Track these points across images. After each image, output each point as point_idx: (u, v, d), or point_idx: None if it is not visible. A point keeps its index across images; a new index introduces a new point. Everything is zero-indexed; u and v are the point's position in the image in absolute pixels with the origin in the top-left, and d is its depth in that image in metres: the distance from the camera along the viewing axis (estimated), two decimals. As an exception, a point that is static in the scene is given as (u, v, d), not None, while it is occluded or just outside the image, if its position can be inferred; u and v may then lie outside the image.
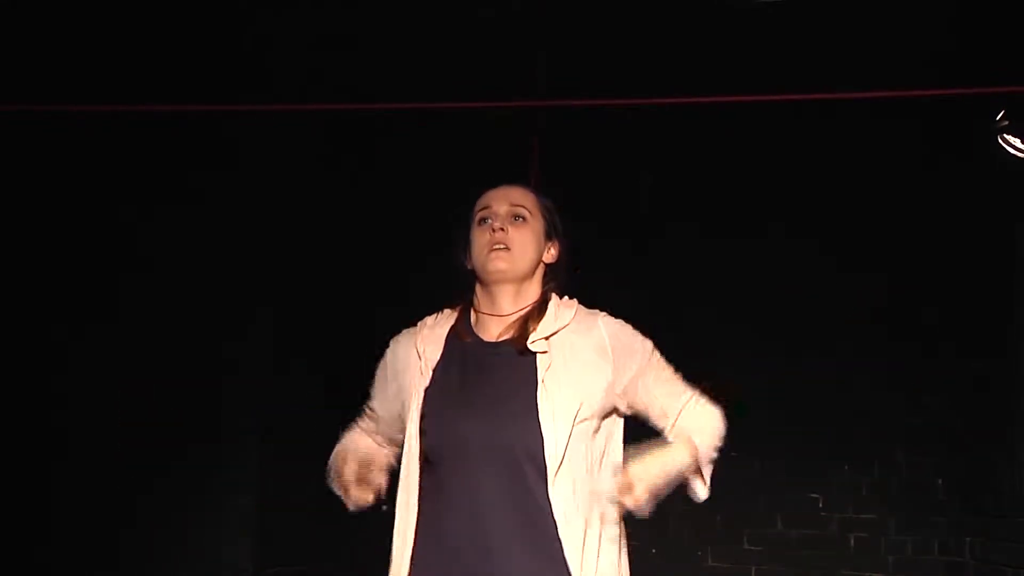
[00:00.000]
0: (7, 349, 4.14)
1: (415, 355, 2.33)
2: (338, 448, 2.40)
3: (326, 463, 2.36)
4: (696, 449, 2.30)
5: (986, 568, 4.88)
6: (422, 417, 2.24)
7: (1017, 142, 4.21)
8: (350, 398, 4.59)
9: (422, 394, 2.27)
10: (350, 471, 2.26)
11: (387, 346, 2.42)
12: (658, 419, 2.36)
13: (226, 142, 4.41)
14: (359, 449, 2.36)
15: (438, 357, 2.30)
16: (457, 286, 2.42)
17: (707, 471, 2.34)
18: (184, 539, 4.32)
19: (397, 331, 2.43)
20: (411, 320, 2.43)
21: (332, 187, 4.88)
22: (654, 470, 2.20)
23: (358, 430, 2.46)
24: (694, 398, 2.37)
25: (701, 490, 2.34)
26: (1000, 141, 4.25)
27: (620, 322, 2.35)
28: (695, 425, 2.34)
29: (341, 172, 4.93)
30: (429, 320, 2.41)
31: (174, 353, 4.40)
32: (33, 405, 4.21)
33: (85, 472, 4.31)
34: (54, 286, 4.28)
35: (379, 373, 2.43)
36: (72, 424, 4.34)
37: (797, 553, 5.49)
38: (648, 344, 2.35)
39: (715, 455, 2.34)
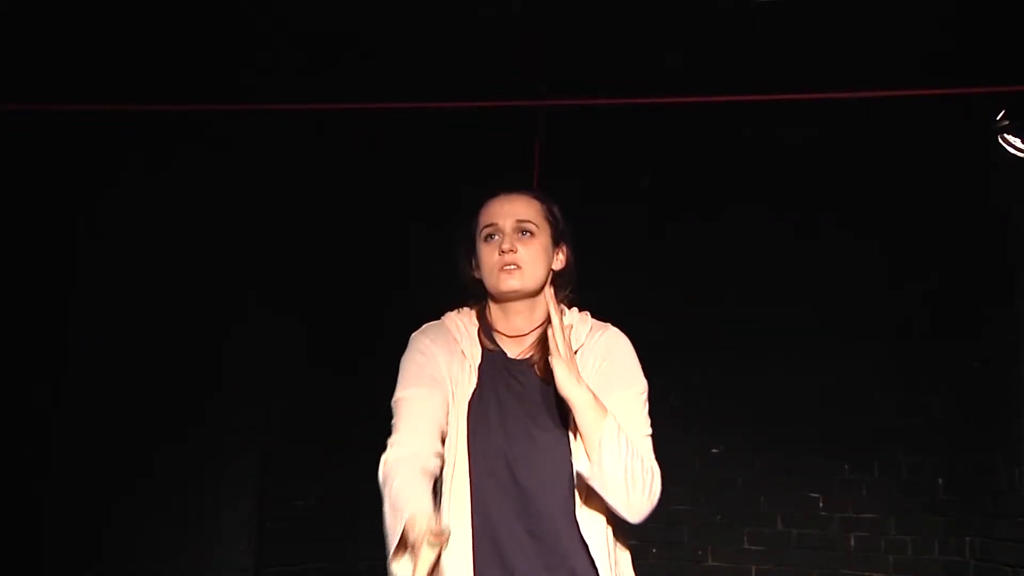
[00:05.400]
0: (3, 349, 4.13)
1: (460, 353, 2.28)
2: (399, 491, 2.05)
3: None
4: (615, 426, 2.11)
5: (986, 568, 4.88)
6: (469, 433, 2.22)
7: (1017, 142, 4.20)
8: (350, 398, 4.59)
9: (466, 406, 2.24)
10: (420, 534, 1.92)
11: (400, 346, 2.33)
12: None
13: (226, 141, 4.41)
14: (426, 508, 2.01)
15: (479, 361, 2.28)
16: (457, 288, 2.42)
17: (596, 452, 2.09)
18: (184, 539, 4.32)
19: (398, 330, 2.42)
20: (411, 320, 2.43)
21: (334, 185, 4.88)
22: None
23: (419, 469, 2.11)
24: (644, 451, 2.15)
25: (582, 462, 2.12)
26: (1000, 141, 4.24)
27: (627, 342, 2.32)
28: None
29: (343, 170, 4.93)
30: (453, 315, 2.37)
31: (174, 352, 4.40)
32: (30, 404, 4.21)
33: (84, 472, 4.30)
34: (50, 283, 4.28)
35: (421, 361, 2.25)
36: (70, 424, 4.34)
37: (797, 553, 5.49)
38: (640, 377, 2.27)
39: (613, 464, 2.08)
